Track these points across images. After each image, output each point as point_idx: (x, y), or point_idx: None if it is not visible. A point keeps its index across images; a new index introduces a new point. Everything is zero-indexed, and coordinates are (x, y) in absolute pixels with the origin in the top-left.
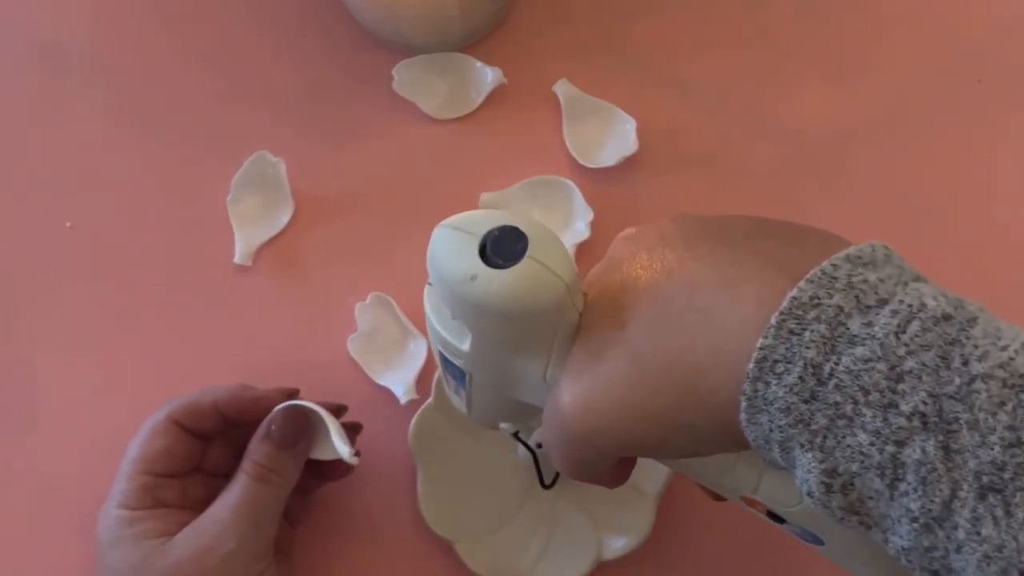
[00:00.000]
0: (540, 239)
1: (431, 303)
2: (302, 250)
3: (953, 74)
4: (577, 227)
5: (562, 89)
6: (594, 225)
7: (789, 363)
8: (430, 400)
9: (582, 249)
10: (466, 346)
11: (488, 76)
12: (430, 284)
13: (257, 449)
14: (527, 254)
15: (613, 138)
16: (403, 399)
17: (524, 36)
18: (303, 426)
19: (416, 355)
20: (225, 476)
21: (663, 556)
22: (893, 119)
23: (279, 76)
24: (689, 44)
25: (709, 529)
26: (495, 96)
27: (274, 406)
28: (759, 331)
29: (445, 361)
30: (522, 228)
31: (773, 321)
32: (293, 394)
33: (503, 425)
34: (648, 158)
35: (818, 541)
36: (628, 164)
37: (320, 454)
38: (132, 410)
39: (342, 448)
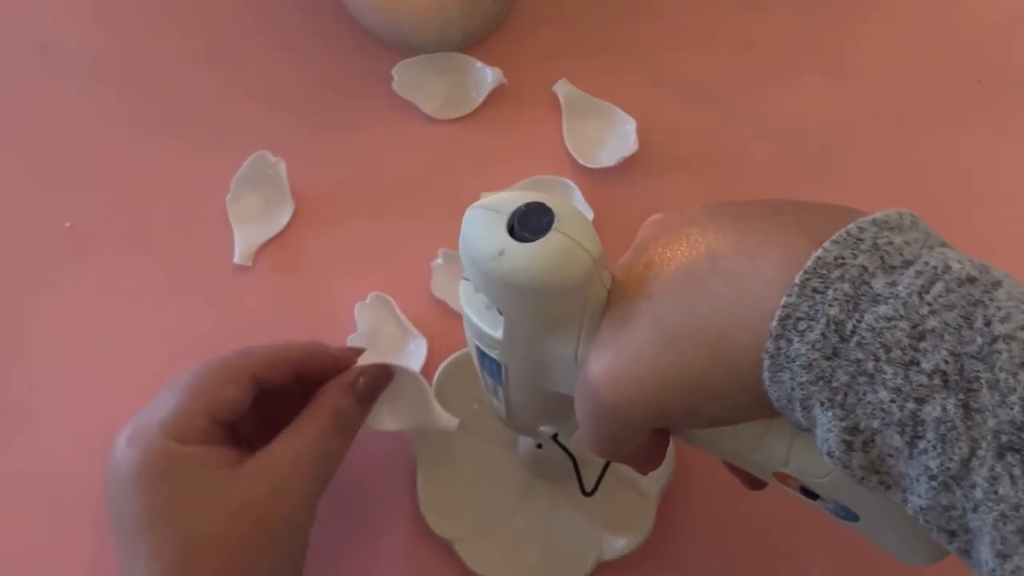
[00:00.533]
0: (566, 214)
1: (466, 296)
2: (302, 250)
3: (953, 74)
4: None
5: (562, 89)
6: (594, 225)
7: (812, 320)
8: None
9: None
10: (500, 333)
11: (488, 76)
12: (466, 279)
13: (341, 397)
14: (553, 227)
15: (613, 138)
16: None
17: (524, 36)
18: (383, 386)
19: (416, 355)
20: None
21: (663, 556)
22: (893, 119)
23: (279, 76)
24: (689, 44)
25: (709, 529)
26: (495, 96)
27: (350, 364)
28: (782, 292)
29: (482, 357)
30: (548, 204)
31: (797, 280)
32: (360, 352)
33: (542, 428)
34: (648, 158)
35: (852, 517)
36: (628, 164)
37: (376, 422)
38: (132, 410)
39: (448, 419)
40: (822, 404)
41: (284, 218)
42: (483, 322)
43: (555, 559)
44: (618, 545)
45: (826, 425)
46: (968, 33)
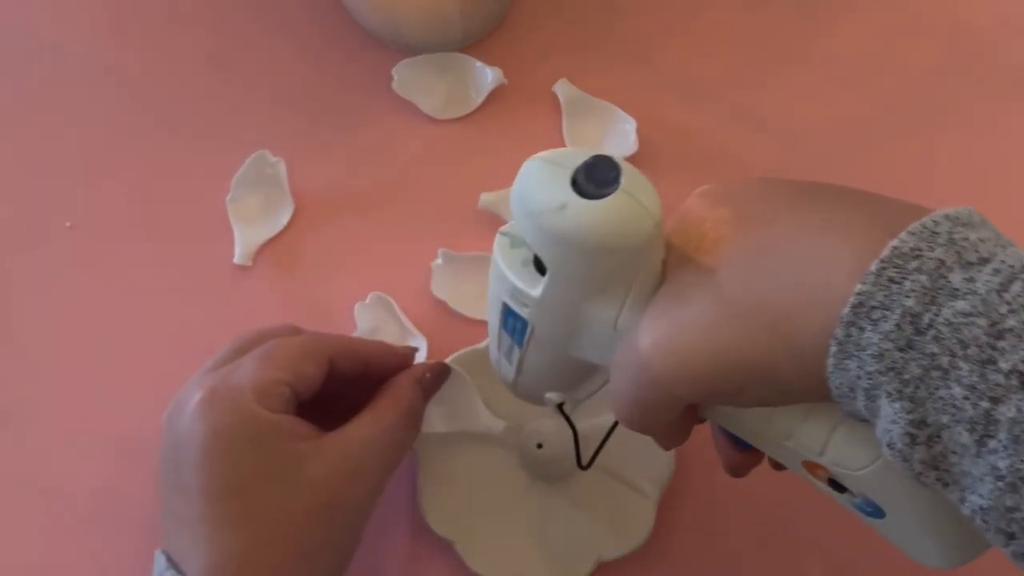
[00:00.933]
0: (632, 174)
1: (502, 251)
2: (302, 250)
3: (953, 74)
4: None
5: (562, 89)
6: None
7: (887, 310)
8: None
9: None
10: (537, 292)
11: (488, 76)
12: (502, 233)
13: (412, 391)
14: (620, 187)
15: (613, 138)
16: None
17: (524, 36)
18: (441, 385)
19: (416, 355)
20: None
21: (663, 556)
22: (893, 119)
23: (279, 76)
24: (689, 44)
25: (709, 529)
26: (495, 96)
27: (411, 363)
28: (855, 278)
29: (507, 315)
30: (615, 159)
31: (873, 268)
32: (416, 352)
33: (548, 395)
34: (648, 158)
35: (878, 513)
36: None
37: (427, 425)
38: (132, 410)
39: (494, 421)
40: (889, 395)
41: (284, 218)
42: (519, 279)
43: (555, 559)
44: (618, 545)
45: (891, 416)
46: (968, 33)
